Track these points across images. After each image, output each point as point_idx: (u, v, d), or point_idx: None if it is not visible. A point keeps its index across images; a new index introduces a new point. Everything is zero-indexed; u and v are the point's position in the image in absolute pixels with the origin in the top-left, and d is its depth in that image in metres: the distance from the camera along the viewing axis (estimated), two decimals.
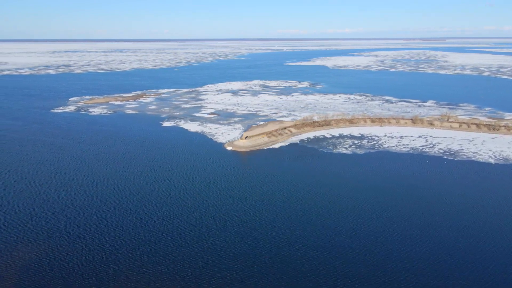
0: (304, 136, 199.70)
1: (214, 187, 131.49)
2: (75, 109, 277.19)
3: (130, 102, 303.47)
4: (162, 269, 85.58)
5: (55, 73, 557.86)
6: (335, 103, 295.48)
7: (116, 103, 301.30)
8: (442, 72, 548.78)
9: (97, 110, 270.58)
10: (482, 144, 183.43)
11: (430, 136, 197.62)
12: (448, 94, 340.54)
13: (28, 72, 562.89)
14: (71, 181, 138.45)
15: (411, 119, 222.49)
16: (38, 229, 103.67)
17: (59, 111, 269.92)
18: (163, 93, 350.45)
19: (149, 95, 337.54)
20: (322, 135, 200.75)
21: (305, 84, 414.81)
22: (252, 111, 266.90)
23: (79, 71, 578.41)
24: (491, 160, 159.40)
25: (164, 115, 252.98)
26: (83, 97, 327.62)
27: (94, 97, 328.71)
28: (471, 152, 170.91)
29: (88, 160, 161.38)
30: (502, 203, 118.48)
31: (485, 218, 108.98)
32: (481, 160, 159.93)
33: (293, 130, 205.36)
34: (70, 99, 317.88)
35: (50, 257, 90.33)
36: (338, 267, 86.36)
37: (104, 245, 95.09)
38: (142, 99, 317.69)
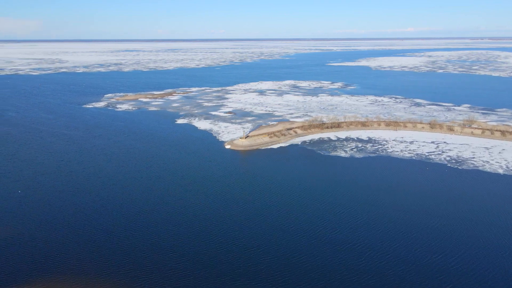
0: (308, 137, 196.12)
1: (200, 184, 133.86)
2: (105, 105, 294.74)
3: (157, 100, 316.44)
4: (126, 264, 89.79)
5: (104, 71, 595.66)
6: (358, 105, 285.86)
7: (145, 100, 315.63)
8: (495, 74, 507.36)
9: (123, 107, 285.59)
10: (499, 153, 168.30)
11: (444, 142, 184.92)
12: (488, 97, 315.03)
13: (81, 70, 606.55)
14: (70, 172, 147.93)
15: (429, 124, 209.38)
16: (17, 216, 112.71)
17: (90, 106, 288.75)
18: (192, 92, 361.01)
19: (178, 93, 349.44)
20: (328, 137, 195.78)
21: (337, 85, 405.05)
22: (269, 111, 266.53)
23: (126, 69, 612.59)
24: (500, 171, 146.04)
25: (182, 113, 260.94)
26: (117, 94, 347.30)
27: (127, 94, 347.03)
28: (482, 161, 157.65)
29: (93, 154, 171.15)
30: (485, 213, 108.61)
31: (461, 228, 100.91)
32: (489, 170, 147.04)
33: (298, 131, 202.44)
34: (105, 96, 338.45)
35: (18, 241, 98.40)
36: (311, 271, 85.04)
37: (71, 235, 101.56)
38: (169, 97, 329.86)
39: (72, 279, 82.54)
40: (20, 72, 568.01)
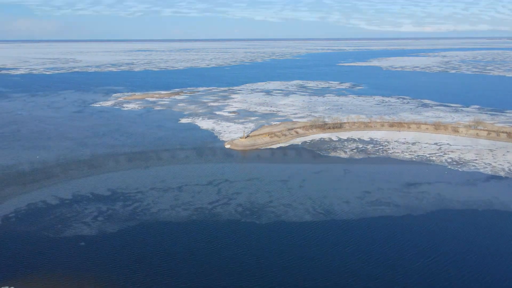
0: (309, 138, 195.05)
1: (196, 183, 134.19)
2: (112, 104, 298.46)
3: (164, 99, 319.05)
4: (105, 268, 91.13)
5: (116, 70, 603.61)
6: (364, 106, 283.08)
7: (152, 99, 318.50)
8: (509, 75, 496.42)
9: (130, 106, 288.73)
10: (504, 155, 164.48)
11: (447, 144, 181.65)
12: (498, 99, 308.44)
13: (93, 70, 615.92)
14: (69, 170, 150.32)
15: (434, 125, 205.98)
16: (12, 213, 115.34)
17: (97, 105, 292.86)
18: (198, 91, 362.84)
19: (185, 93, 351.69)
20: (329, 138, 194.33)
21: (345, 85, 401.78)
22: (274, 111, 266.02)
23: (137, 69, 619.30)
24: (502, 173, 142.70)
25: (186, 112, 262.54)
26: (125, 93, 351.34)
27: (134, 93, 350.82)
28: (484, 163, 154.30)
29: (93, 152, 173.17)
30: (481, 215, 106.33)
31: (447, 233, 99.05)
32: (490, 172, 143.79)
33: (300, 131, 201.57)
34: (113, 95, 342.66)
35: None
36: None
37: (63, 231, 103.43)
38: (176, 96, 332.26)
39: (61, 276, 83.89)
40: (34, 72, 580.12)
